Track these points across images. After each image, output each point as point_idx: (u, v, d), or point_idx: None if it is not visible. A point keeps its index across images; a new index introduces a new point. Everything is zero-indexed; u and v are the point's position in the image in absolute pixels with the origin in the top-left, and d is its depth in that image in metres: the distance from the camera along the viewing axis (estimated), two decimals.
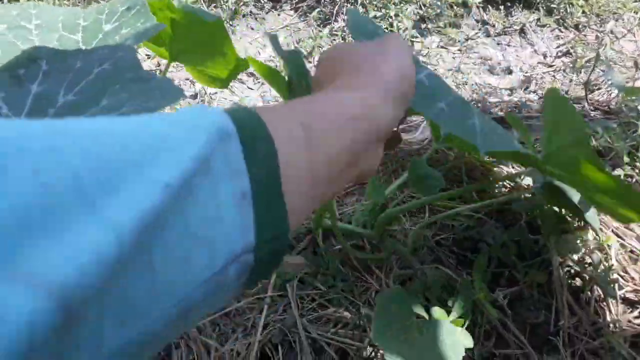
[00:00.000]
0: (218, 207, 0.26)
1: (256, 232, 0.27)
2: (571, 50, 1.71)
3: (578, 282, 0.81)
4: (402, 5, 1.77)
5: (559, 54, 1.72)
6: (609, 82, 1.34)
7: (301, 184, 0.32)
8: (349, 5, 1.78)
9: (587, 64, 1.56)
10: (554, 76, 1.59)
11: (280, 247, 0.29)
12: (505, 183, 1.01)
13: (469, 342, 0.62)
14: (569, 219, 0.86)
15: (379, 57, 0.41)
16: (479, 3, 1.86)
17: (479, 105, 1.36)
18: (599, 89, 1.44)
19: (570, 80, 1.54)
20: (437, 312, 0.65)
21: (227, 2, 1.85)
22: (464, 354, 0.60)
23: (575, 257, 0.82)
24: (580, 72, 1.44)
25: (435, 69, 1.59)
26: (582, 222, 0.84)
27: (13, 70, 0.66)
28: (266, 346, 0.70)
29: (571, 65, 1.54)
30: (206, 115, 0.27)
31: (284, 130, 0.31)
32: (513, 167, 1.09)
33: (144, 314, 0.23)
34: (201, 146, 0.25)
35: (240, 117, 0.29)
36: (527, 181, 1.01)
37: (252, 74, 1.51)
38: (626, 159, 0.96)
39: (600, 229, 0.87)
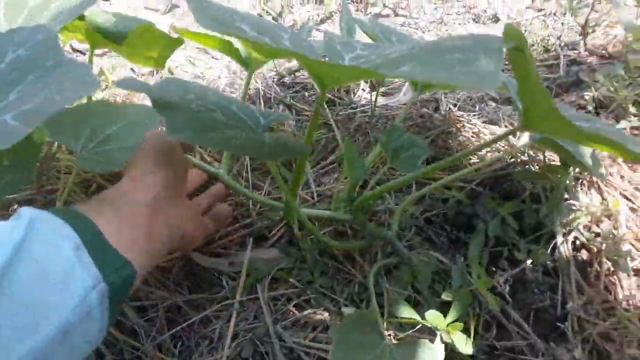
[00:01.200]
0: (66, 260, 0.39)
1: (99, 267, 0.41)
2: None
3: (585, 254, 0.72)
4: None
5: None
6: (605, 23, 1.23)
7: (121, 234, 0.46)
8: None
9: (579, 4, 1.44)
10: (544, 21, 1.47)
11: (128, 275, 0.44)
12: (498, 145, 0.91)
13: (468, 350, 0.53)
14: (574, 184, 0.76)
15: (147, 144, 0.58)
16: None
17: None
18: (593, 31, 1.33)
19: (562, 24, 1.42)
20: (432, 316, 0.56)
21: None
22: None
23: (581, 226, 0.73)
24: (574, 15, 1.32)
25: (416, 22, 1.47)
26: (588, 188, 0.75)
27: None
28: None
29: (563, 7, 1.42)
30: (24, 220, 0.40)
31: (92, 209, 0.46)
32: (506, 126, 0.99)
33: (33, 330, 0.36)
34: (20, 234, 0.39)
35: (54, 210, 0.43)
36: (523, 142, 0.91)
37: None
38: (632, 110, 0.86)
39: (607, 192, 0.78)
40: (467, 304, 0.60)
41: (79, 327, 0.38)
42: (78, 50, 1.23)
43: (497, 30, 1.42)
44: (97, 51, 1.31)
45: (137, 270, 0.45)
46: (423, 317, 0.59)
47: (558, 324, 0.65)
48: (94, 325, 0.40)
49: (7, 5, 0.77)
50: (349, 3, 1.50)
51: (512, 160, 0.86)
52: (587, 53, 1.21)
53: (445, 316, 0.58)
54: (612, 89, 0.88)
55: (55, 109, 0.43)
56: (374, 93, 1.01)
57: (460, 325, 0.55)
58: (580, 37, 1.27)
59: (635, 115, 0.85)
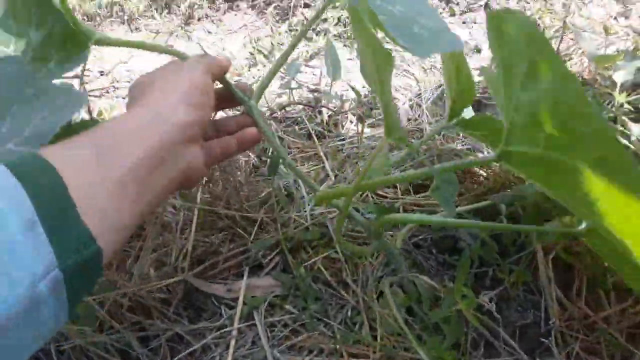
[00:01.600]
0: (9, 241, 0.30)
1: (57, 248, 0.32)
2: (538, 21, 1.65)
3: (565, 272, 0.76)
4: None
5: None
6: (581, 51, 1.29)
7: (102, 192, 0.37)
8: None
9: (556, 33, 1.51)
10: None
11: (90, 256, 0.34)
12: (481, 171, 0.95)
13: None
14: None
15: (173, 74, 0.49)
16: None
17: None
18: (570, 59, 1.39)
19: None
20: (430, 343, 0.59)
21: (180, 7, 1.77)
22: None
23: (560, 246, 0.77)
24: (559, 44, 1.38)
25: (402, 55, 1.53)
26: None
27: None
28: None
29: None
30: None
31: (70, 157, 0.37)
32: (489, 152, 1.03)
33: None
34: None
35: (15, 162, 0.34)
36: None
37: None
38: None
39: None
40: (460, 328, 0.63)
41: (22, 322, 0.31)
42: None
43: (478, 61, 1.48)
44: (96, 92, 1.36)
45: (112, 238, 0.37)
46: (415, 338, 0.63)
47: (542, 339, 0.68)
48: (44, 317, 0.33)
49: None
50: (335, 39, 1.56)
51: (493, 185, 0.91)
52: None
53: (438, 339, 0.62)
54: None
55: (55, 128, 0.46)
56: (361, 125, 1.06)
57: (454, 353, 0.59)
58: None
59: None
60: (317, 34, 1.59)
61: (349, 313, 0.72)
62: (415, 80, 1.39)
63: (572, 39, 1.46)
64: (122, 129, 0.42)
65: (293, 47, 0.66)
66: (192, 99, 0.47)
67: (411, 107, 1.23)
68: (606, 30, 1.05)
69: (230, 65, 0.57)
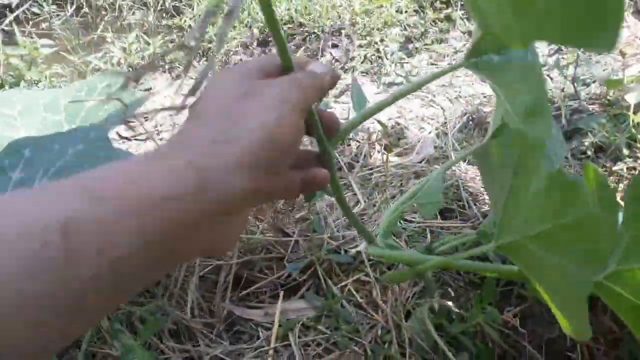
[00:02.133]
0: None
1: None
2: (562, 47, 1.68)
3: None
4: (385, 29, 1.79)
5: (551, 52, 1.69)
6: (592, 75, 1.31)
7: (49, 312, 0.25)
8: (333, 38, 1.80)
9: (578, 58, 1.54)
10: (548, 75, 1.57)
11: None
12: None
13: None
14: None
15: (244, 109, 0.33)
16: (462, 15, 1.86)
17: (474, 116, 1.34)
18: (594, 81, 1.41)
19: (565, 77, 1.51)
20: (459, 358, 0.63)
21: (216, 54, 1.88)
22: None
23: None
24: (559, 71, 1.41)
25: (427, 87, 1.58)
26: None
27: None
28: None
29: (561, 62, 1.51)
30: None
31: (21, 238, 0.24)
32: None
33: None
34: None
35: None
36: None
37: None
38: (626, 152, 0.93)
39: None
40: (485, 343, 0.67)
41: None
42: (125, 137, 1.39)
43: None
44: (141, 136, 1.47)
45: None
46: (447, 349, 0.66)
47: (568, 353, 0.70)
48: None
49: (66, 107, 0.92)
50: (363, 75, 1.64)
51: None
52: (588, 102, 1.30)
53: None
54: (606, 134, 0.96)
55: None
56: (386, 155, 1.11)
57: None
58: (582, 87, 1.36)
59: (629, 157, 0.91)
60: (345, 72, 1.67)
61: (379, 332, 0.75)
62: (441, 109, 1.44)
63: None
64: (134, 196, 0.28)
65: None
66: (265, 159, 0.32)
67: (437, 135, 1.28)
68: (622, 54, 1.08)
69: (336, 82, 0.41)
